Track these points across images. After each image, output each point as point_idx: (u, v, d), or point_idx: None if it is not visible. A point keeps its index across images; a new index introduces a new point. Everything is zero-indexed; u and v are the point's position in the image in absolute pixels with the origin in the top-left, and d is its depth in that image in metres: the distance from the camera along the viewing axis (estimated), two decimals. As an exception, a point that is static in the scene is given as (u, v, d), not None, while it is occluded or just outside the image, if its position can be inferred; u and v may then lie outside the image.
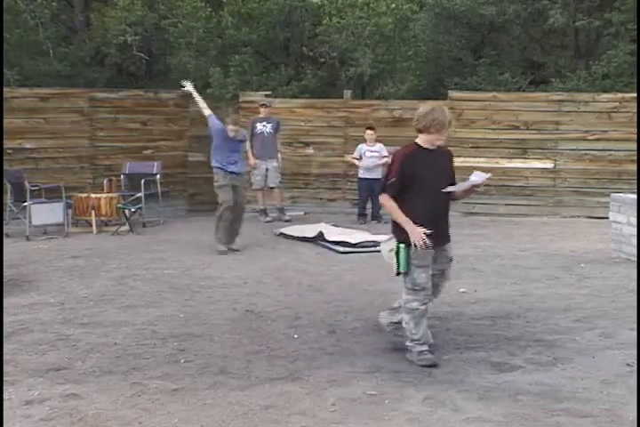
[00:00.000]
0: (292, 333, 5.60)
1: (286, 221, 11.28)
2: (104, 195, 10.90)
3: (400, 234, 4.86)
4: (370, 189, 11.36)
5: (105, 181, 11.34)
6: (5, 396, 4.27)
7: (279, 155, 11.61)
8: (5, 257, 7.52)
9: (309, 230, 9.85)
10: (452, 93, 12.61)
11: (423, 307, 4.96)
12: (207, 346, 5.29)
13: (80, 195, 10.84)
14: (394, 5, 13.74)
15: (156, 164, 11.86)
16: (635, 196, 8.15)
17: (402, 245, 4.83)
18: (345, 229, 10.16)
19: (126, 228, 10.53)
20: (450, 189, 4.88)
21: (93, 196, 10.77)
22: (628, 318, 5.79)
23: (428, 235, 4.77)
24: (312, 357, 5.04)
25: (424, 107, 4.96)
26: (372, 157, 11.37)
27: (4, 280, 6.98)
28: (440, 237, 4.92)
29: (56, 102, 11.92)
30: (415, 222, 4.80)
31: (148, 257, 8.67)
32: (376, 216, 11.42)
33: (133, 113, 12.55)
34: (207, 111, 9.25)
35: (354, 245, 9.07)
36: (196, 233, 10.44)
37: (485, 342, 5.31)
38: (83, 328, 5.73)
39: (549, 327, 5.69)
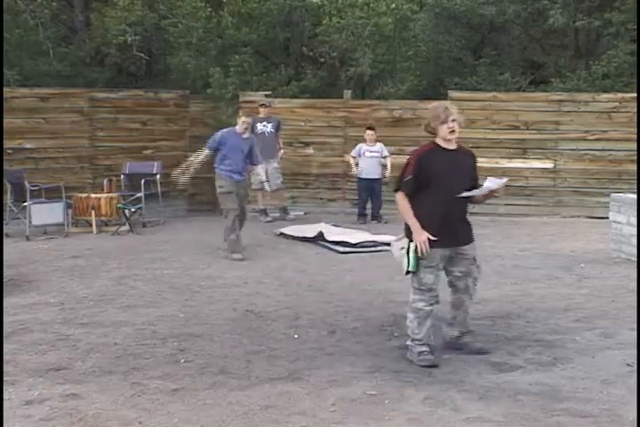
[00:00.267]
0: (292, 333, 5.60)
1: (291, 220, 11.29)
2: (104, 195, 10.90)
3: (411, 233, 4.88)
4: (369, 189, 11.38)
5: (105, 181, 11.34)
6: (5, 396, 4.27)
7: (279, 153, 11.60)
8: (5, 257, 7.52)
9: (309, 230, 9.85)
10: (452, 93, 12.61)
11: (429, 308, 4.96)
12: (207, 346, 5.29)
13: (80, 195, 10.84)
14: (394, 5, 13.71)
15: (155, 164, 11.87)
16: (635, 196, 8.15)
17: (412, 244, 4.84)
18: (345, 229, 10.17)
19: (126, 228, 10.53)
20: (465, 194, 4.85)
21: (93, 196, 10.78)
22: (628, 318, 5.79)
23: (435, 238, 4.76)
24: (312, 357, 5.04)
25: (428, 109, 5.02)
26: (372, 157, 11.37)
27: (4, 280, 6.98)
28: (455, 238, 4.91)
29: (56, 102, 11.93)
30: (427, 221, 4.80)
31: (148, 257, 8.67)
32: (376, 216, 11.42)
33: (133, 113, 12.55)
34: (203, 153, 9.11)
35: (354, 245, 9.07)
36: (196, 233, 10.45)
37: (485, 342, 5.30)
38: (83, 328, 5.73)
39: (549, 327, 5.69)
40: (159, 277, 7.58)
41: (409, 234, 4.90)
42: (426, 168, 4.83)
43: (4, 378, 4.50)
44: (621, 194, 8.70)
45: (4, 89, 11.42)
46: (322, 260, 8.59)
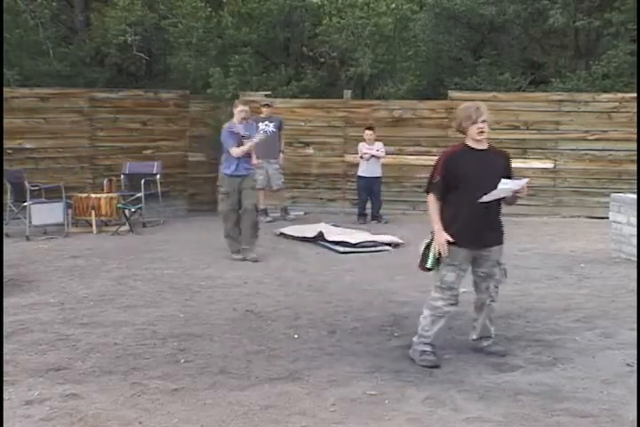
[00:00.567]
0: (292, 333, 5.60)
1: (291, 220, 11.28)
2: (104, 195, 10.90)
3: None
4: (369, 189, 11.37)
5: (105, 181, 11.35)
6: (5, 396, 4.27)
7: (281, 154, 11.59)
8: (5, 257, 7.52)
9: (309, 230, 9.85)
10: (452, 93, 12.61)
11: (447, 308, 4.97)
12: (207, 346, 5.29)
13: (80, 195, 10.85)
14: (394, 5, 13.70)
15: (155, 164, 11.87)
16: (635, 196, 8.15)
17: (434, 243, 4.88)
18: (345, 229, 10.17)
19: (126, 228, 10.53)
20: (485, 198, 4.82)
21: (93, 196, 10.78)
22: (628, 318, 5.79)
23: (453, 240, 4.79)
24: (312, 357, 5.04)
25: (458, 109, 5.00)
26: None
27: (4, 280, 6.98)
28: (480, 239, 4.92)
29: (56, 102, 11.93)
30: (453, 221, 4.82)
31: (148, 257, 8.66)
32: (376, 216, 11.43)
33: (133, 113, 12.55)
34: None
35: (354, 245, 9.07)
36: (196, 233, 10.45)
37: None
38: (83, 328, 5.73)
39: (549, 327, 5.70)
40: (159, 277, 7.58)
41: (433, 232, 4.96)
42: (453, 169, 4.83)
43: (4, 378, 4.50)
44: (621, 194, 8.70)
45: (4, 89, 11.41)
46: (322, 260, 8.58)
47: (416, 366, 4.82)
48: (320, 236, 9.51)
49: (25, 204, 10.27)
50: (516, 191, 4.93)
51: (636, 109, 11.49)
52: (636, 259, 7.74)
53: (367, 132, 11.39)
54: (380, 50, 13.95)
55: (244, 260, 8.42)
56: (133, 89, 13.56)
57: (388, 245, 9.26)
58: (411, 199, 12.11)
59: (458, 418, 4.00)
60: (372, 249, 9.03)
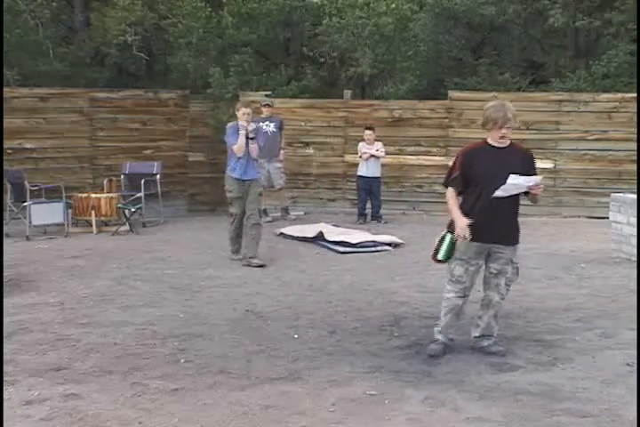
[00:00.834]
0: (292, 333, 5.60)
1: (291, 220, 11.28)
2: (104, 195, 10.91)
3: (451, 225, 4.98)
4: (368, 189, 11.37)
5: (105, 181, 11.35)
6: (5, 396, 4.26)
7: (282, 154, 11.58)
8: (5, 257, 7.52)
9: (309, 230, 9.85)
10: (452, 93, 12.62)
11: (458, 301, 5.07)
12: (207, 346, 5.29)
13: (80, 195, 10.85)
14: (394, 5, 13.70)
15: (156, 164, 11.87)
16: (635, 196, 8.15)
17: (448, 235, 4.96)
18: (345, 229, 10.16)
19: (126, 228, 10.53)
20: (498, 193, 4.83)
21: (93, 196, 10.78)
22: (628, 318, 5.79)
23: (472, 228, 4.81)
24: (312, 357, 5.04)
25: (490, 103, 5.00)
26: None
27: (4, 280, 6.98)
28: (493, 235, 4.93)
29: (56, 102, 11.93)
30: (467, 216, 4.87)
31: (148, 257, 8.66)
32: (376, 216, 11.43)
33: (133, 113, 12.55)
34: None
35: (354, 245, 9.07)
36: (196, 233, 10.45)
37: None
38: (83, 328, 5.73)
39: (549, 327, 5.69)
40: (159, 277, 7.57)
41: (449, 225, 5.00)
42: (470, 165, 4.91)
43: (4, 378, 4.50)
44: (621, 194, 8.69)
45: (4, 89, 11.41)
46: (322, 260, 8.58)
47: (416, 367, 4.82)
48: (320, 236, 9.51)
49: (25, 204, 10.27)
50: (530, 188, 4.93)
51: (635, 109, 11.48)
52: (635, 259, 7.74)
53: (367, 132, 11.39)
54: (380, 50, 13.95)
55: (248, 266, 8.11)
56: (133, 89, 13.56)
57: (388, 245, 9.26)
58: (411, 199, 12.10)
59: (458, 418, 4.00)
60: (372, 249, 9.03)
